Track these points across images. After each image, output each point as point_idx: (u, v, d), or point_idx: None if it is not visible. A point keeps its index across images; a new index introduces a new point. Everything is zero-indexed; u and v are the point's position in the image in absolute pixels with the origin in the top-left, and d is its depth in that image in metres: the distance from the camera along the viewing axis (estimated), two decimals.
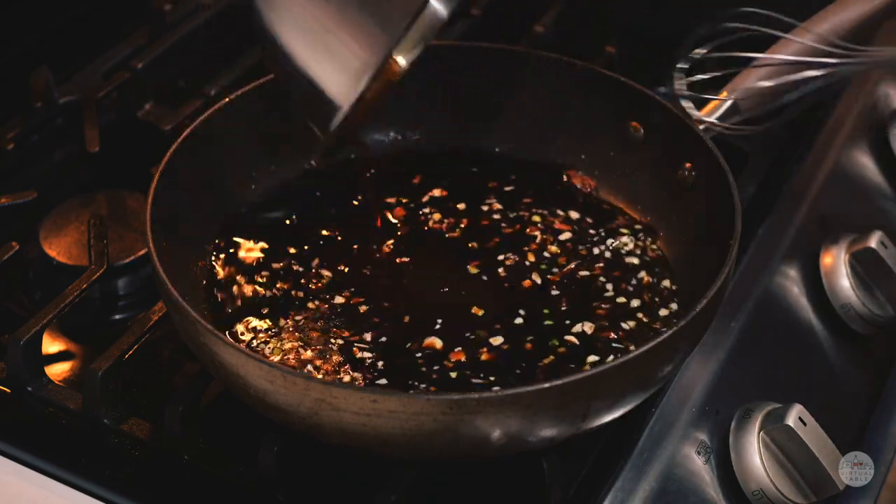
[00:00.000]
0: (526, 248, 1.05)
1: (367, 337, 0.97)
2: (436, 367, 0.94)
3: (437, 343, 0.96)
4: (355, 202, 1.10)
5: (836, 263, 1.11)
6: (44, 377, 0.99)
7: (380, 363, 0.94)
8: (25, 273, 1.10)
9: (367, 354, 0.95)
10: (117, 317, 1.09)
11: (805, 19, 1.09)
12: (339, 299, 1.00)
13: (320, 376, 0.93)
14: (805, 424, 0.95)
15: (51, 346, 1.04)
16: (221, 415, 0.97)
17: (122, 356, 0.96)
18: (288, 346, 0.96)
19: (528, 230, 1.07)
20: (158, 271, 0.90)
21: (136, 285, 1.09)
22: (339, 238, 1.06)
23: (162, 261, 0.91)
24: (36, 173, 1.22)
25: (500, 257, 1.04)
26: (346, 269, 1.03)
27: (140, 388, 0.99)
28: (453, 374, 0.93)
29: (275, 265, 1.03)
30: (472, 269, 1.03)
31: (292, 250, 1.05)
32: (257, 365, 0.84)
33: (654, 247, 1.05)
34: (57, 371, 1.02)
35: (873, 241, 1.09)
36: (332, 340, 0.96)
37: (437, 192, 1.11)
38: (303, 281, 1.02)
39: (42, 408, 0.97)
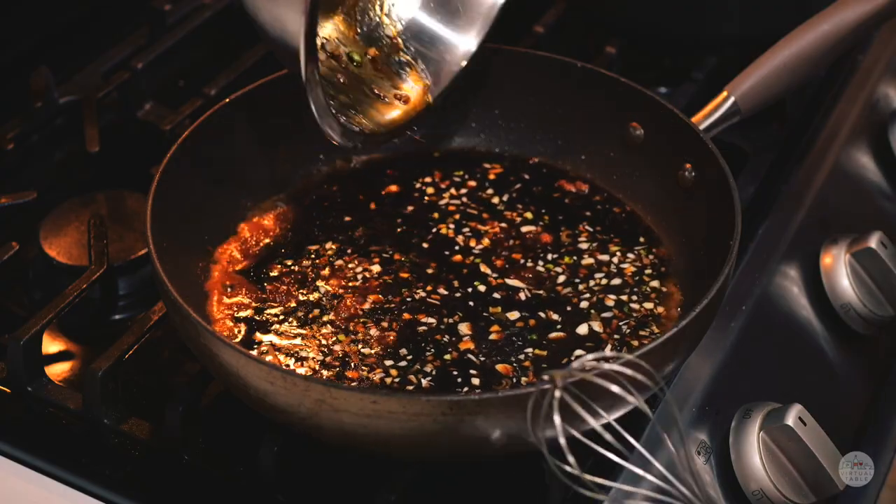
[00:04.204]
0: (527, 250, 1.05)
1: (380, 338, 0.97)
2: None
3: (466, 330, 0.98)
4: (355, 202, 1.10)
5: (836, 263, 1.11)
6: (44, 377, 0.99)
7: (401, 349, 0.95)
8: (25, 273, 1.10)
9: (375, 352, 0.95)
10: (117, 317, 1.09)
11: (805, 19, 1.09)
12: (343, 301, 1.00)
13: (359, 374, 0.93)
14: (805, 424, 0.95)
15: (51, 346, 1.04)
16: (221, 415, 0.97)
17: (122, 356, 0.96)
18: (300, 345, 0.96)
19: (528, 231, 1.07)
20: (158, 271, 0.90)
21: (136, 285, 1.09)
22: (340, 239, 1.06)
23: (162, 261, 0.91)
24: (36, 173, 1.22)
25: (500, 262, 1.04)
26: (346, 271, 1.03)
27: (140, 388, 0.99)
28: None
29: (274, 265, 1.03)
30: (465, 270, 1.03)
31: (291, 250, 1.05)
32: (257, 366, 0.84)
33: (654, 247, 1.05)
34: (57, 371, 1.02)
35: (873, 241, 1.09)
36: (338, 343, 0.97)
37: (435, 192, 1.11)
38: (302, 280, 1.02)
39: (42, 408, 0.97)
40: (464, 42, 1.08)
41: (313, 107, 0.93)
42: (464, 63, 1.08)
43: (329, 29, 1.05)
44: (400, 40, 1.07)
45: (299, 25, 0.87)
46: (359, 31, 1.06)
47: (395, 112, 1.06)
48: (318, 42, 1.03)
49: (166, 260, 0.92)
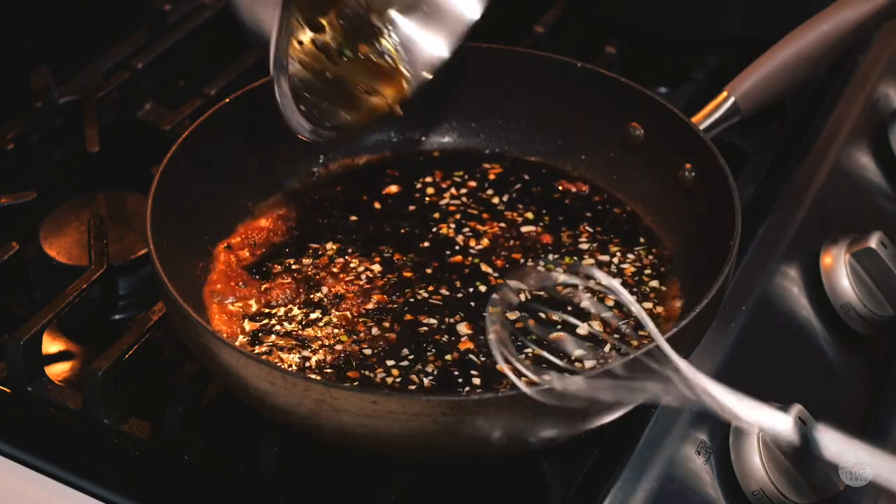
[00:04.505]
0: (527, 250, 1.05)
1: (380, 339, 0.97)
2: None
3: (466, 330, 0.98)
4: (355, 202, 1.10)
5: (836, 263, 1.11)
6: (44, 377, 0.99)
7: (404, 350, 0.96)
8: (25, 273, 1.10)
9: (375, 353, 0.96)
10: (117, 317, 1.09)
11: (805, 19, 1.09)
12: (345, 301, 1.00)
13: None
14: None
15: (51, 346, 1.04)
16: (221, 415, 0.97)
17: (122, 356, 0.96)
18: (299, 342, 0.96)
19: (529, 231, 1.07)
20: (158, 271, 0.90)
21: (136, 285, 1.09)
22: (341, 239, 1.06)
23: (162, 261, 0.91)
24: (36, 173, 1.22)
25: (500, 262, 1.04)
26: (347, 271, 1.03)
27: (140, 388, 0.99)
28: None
29: (275, 265, 1.03)
30: (466, 270, 1.03)
31: (291, 250, 1.05)
32: (257, 366, 0.84)
33: (654, 247, 1.05)
34: (57, 371, 1.02)
35: (873, 241, 1.09)
36: (341, 343, 0.97)
37: (436, 192, 1.11)
38: (303, 280, 1.02)
39: (42, 408, 0.97)
40: (437, 47, 1.08)
41: (280, 104, 0.95)
42: (434, 68, 1.08)
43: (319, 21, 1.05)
44: (385, 30, 1.08)
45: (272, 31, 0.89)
46: (342, 19, 1.06)
47: (373, 105, 1.06)
48: (308, 37, 1.03)
49: (166, 260, 0.92)
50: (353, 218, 1.09)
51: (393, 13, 1.08)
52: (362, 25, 1.08)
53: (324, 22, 1.04)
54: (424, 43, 1.08)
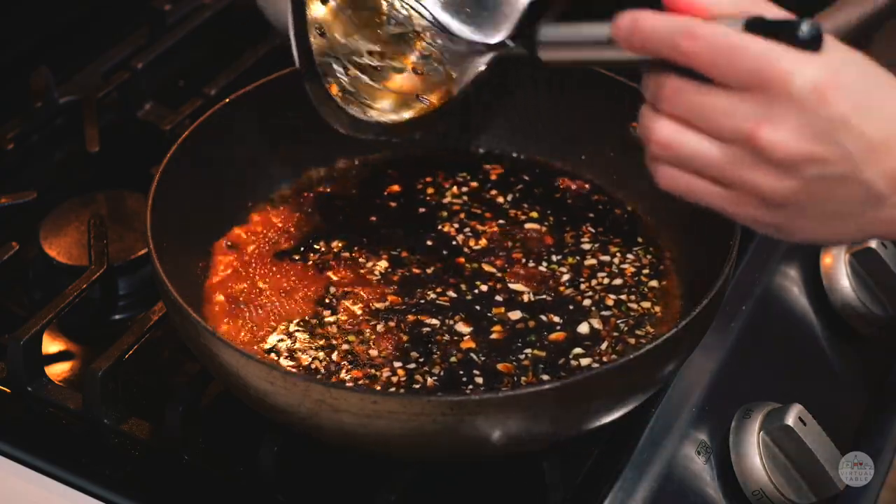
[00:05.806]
0: (530, 251, 1.05)
1: (377, 342, 0.97)
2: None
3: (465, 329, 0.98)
4: (358, 203, 1.10)
5: (836, 263, 1.11)
6: (44, 377, 0.99)
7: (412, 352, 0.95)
8: (25, 273, 1.10)
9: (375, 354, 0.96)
10: (117, 317, 1.09)
11: None
12: (348, 301, 1.00)
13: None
14: (805, 424, 0.95)
15: (51, 346, 1.04)
16: (221, 415, 0.97)
17: (122, 356, 0.96)
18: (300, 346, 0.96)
19: (532, 233, 1.07)
20: (158, 271, 0.90)
21: (136, 285, 1.09)
22: (342, 238, 1.06)
23: (162, 261, 0.91)
24: (36, 173, 1.22)
25: (500, 262, 1.04)
26: (350, 271, 1.03)
27: (140, 388, 0.99)
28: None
29: (276, 264, 1.03)
30: (468, 271, 1.03)
31: (291, 250, 1.05)
32: (257, 366, 0.84)
33: (653, 247, 1.05)
34: (57, 371, 1.02)
35: (873, 241, 1.09)
36: (343, 344, 0.97)
37: (438, 193, 1.11)
38: (305, 280, 1.02)
39: (42, 408, 0.97)
40: (488, 38, 1.06)
41: (312, 99, 0.94)
42: (485, 62, 1.06)
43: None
44: (427, 35, 1.06)
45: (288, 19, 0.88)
46: (383, 28, 1.05)
47: (419, 104, 1.05)
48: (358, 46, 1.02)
49: (166, 260, 0.92)
50: (357, 218, 1.09)
51: (438, 14, 1.06)
52: (404, 34, 1.06)
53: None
54: (476, 33, 1.05)
